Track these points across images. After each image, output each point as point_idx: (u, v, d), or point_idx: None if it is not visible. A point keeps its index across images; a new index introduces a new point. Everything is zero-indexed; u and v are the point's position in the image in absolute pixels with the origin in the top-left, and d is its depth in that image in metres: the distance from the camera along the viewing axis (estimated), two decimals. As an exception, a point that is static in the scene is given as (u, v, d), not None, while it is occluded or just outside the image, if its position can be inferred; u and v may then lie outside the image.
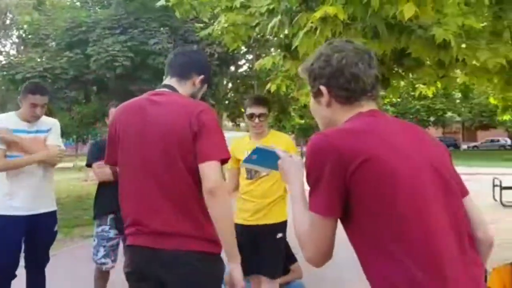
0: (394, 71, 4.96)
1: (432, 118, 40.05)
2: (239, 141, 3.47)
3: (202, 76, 2.04)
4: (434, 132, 47.20)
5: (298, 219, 1.32)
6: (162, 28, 10.98)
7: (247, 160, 1.66)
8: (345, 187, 1.19)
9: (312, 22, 2.94)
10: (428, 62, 4.50)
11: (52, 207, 3.34)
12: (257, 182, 3.20)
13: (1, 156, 3.12)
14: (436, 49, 3.38)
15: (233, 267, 1.88)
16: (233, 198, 3.36)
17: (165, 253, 1.81)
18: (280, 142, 3.08)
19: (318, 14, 2.82)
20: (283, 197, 3.21)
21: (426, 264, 1.14)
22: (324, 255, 1.26)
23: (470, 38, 3.75)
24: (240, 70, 16.24)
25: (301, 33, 3.10)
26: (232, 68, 15.27)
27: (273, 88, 6.71)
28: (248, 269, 3.51)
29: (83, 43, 11.22)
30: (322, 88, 1.35)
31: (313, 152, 1.25)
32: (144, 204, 1.87)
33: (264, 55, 13.77)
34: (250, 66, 15.34)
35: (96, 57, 10.43)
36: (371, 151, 1.20)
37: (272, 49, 13.42)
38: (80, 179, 17.09)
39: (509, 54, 3.34)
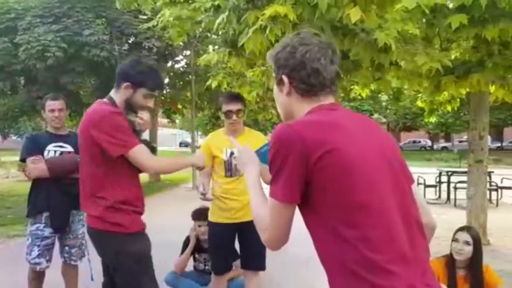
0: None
1: (359, 119, 41.86)
2: (215, 137, 3.43)
3: (127, 83, 2.40)
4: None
5: (254, 204, 1.44)
6: (98, 20, 10.55)
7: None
8: (306, 176, 1.26)
9: (261, 20, 2.97)
10: (364, 65, 4.70)
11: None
12: (237, 180, 3.19)
13: None
14: (376, 52, 3.54)
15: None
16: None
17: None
18: (257, 139, 3.11)
19: (268, 12, 2.86)
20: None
21: (381, 248, 1.22)
22: (281, 239, 1.35)
23: (406, 43, 3.97)
24: (177, 65, 16.01)
25: (250, 31, 3.12)
26: (169, 63, 15.01)
27: (214, 84, 6.71)
28: (220, 268, 3.52)
29: (11, 31, 10.53)
30: (284, 77, 1.42)
31: (278, 141, 1.30)
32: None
33: (202, 51, 13.69)
34: (188, 62, 15.15)
35: (25, 46, 9.82)
36: (333, 143, 1.26)
37: (210, 46, 13.40)
38: (0, 176, 16.13)
39: (443, 59, 3.56)
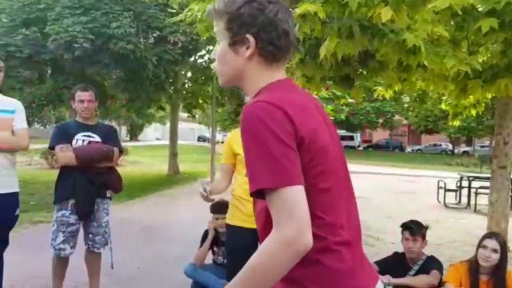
0: (359, 72, 5.12)
1: (380, 120, 41.42)
2: (237, 133, 3.31)
3: None
4: (382, 133, 48.83)
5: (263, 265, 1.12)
6: (125, 12, 10.67)
7: None
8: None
9: (291, 18, 2.98)
10: (391, 66, 4.67)
11: (14, 189, 3.21)
12: None
13: None
14: (405, 53, 3.51)
15: None
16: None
17: None
18: None
19: (298, 10, 2.86)
20: None
21: (344, 228, 1.26)
22: (309, 228, 1.12)
23: (434, 45, 3.93)
24: (200, 60, 16.10)
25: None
26: (192, 58, 15.10)
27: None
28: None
29: (40, 21, 10.73)
30: (250, 37, 1.26)
31: (263, 119, 1.13)
32: None
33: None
34: (211, 56, 15.21)
35: (55, 36, 9.99)
36: (311, 126, 1.20)
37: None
38: (23, 163, 16.46)
39: (472, 62, 3.53)
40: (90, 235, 3.69)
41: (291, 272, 1.17)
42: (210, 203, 3.72)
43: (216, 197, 3.38)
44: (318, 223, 1.19)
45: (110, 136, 3.81)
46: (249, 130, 1.15)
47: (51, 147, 3.69)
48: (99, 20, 10.43)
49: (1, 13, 11.51)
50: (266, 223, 1.23)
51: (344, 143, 47.17)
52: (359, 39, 3.39)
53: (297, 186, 1.10)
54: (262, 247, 1.11)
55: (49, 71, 12.20)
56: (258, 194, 1.13)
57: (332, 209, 1.24)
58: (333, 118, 19.98)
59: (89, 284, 3.77)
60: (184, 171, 16.83)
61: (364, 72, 5.10)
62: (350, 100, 18.91)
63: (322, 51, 3.25)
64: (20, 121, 3.22)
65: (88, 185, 3.57)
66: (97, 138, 3.69)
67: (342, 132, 47.15)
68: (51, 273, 3.65)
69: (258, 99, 1.21)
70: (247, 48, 1.27)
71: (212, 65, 1.34)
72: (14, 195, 3.20)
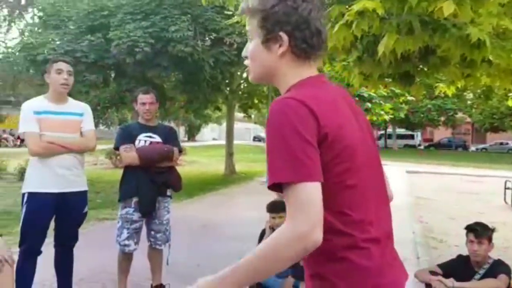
0: (419, 69, 4.96)
1: (442, 118, 39.84)
2: None
3: None
4: (444, 132, 46.91)
5: (253, 267, 1.16)
6: (183, 16, 10.96)
7: None
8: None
9: (348, 16, 2.94)
10: (453, 62, 4.48)
11: (83, 187, 3.40)
12: None
13: (39, 140, 3.20)
14: (468, 48, 3.36)
15: None
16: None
17: None
18: None
19: (356, 7, 2.82)
20: None
21: (373, 225, 1.26)
22: (321, 224, 1.11)
23: (499, 39, 3.74)
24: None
25: (336, 26, 3.10)
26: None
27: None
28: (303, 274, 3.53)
29: (104, 27, 11.25)
30: (283, 35, 1.27)
31: (288, 114, 1.15)
32: None
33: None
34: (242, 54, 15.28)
35: (117, 42, 10.45)
36: (337, 122, 1.21)
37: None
38: (89, 162, 17.28)
39: (543, 56, 3.32)
40: (152, 232, 3.82)
41: (319, 268, 1.23)
42: (265, 203, 3.76)
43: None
44: (345, 220, 1.21)
45: (170, 137, 3.93)
46: (273, 125, 1.17)
47: (116, 148, 3.86)
48: (159, 25, 10.77)
49: (68, 21, 12.18)
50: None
51: (404, 142, 45.84)
52: (419, 34, 3.29)
53: (314, 183, 1.11)
54: (272, 238, 1.12)
55: (113, 75, 12.75)
56: (276, 187, 1.14)
57: (360, 206, 1.24)
58: (392, 116, 19.45)
59: (151, 279, 3.91)
60: (240, 171, 17.01)
61: (425, 69, 4.93)
62: (409, 98, 18.36)
63: (381, 48, 3.18)
64: (87, 123, 3.41)
65: (150, 184, 3.70)
66: (158, 139, 3.83)
67: (401, 131, 45.81)
68: (116, 268, 3.82)
69: (286, 95, 1.23)
70: (280, 46, 1.28)
71: (245, 62, 1.37)
72: (83, 193, 3.39)
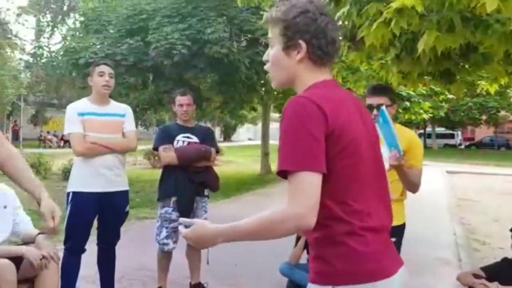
0: (460, 66, 4.83)
1: (484, 117, 38.53)
2: None
3: None
4: (486, 131, 45.30)
5: (250, 230, 1.34)
6: (219, 18, 11.06)
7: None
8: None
9: (387, 13, 2.90)
10: (496, 58, 4.34)
11: (125, 187, 3.49)
12: None
13: (83, 141, 3.31)
14: (514, 44, 3.25)
15: None
16: None
17: None
18: (405, 136, 2.87)
19: (395, 5, 2.77)
20: (399, 200, 2.96)
21: (371, 216, 1.42)
22: (315, 212, 1.29)
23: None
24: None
25: (374, 24, 3.06)
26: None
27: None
28: None
29: (143, 30, 11.48)
30: (302, 43, 1.43)
31: (300, 113, 1.32)
32: None
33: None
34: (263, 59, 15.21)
35: (155, 44, 10.65)
36: (344, 119, 1.37)
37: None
38: (129, 163, 17.67)
39: None
40: (191, 232, 3.88)
41: (320, 251, 1.41)
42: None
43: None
44: (347, 209, 1.37)
45: (207, 137, 3.98)
46: (285, 120, 1.34)
47: (155, 148, 3.95)
48: (195, 27, 10.91)
49: (108, 25, 12.51)
50: None
51: (444, 141, 44.58)
52: (460, 31, 3.20)
53: (314, 173, 1.28)
54: (272, 213, 1.31)
55: (151, 77, 13.00)
56: (282, 174, 1.33)
57: (361, 197, 1.40)
58: (431, 115, 18.98)
59: (190, 278, 3.97)
60: (276, 171, 16.96)
61: (466, 66, 4.79)
62: (450, 96, 17.85)
63: (420, 46, 3.11)
64: (129, 124, 3.51)
65: (188, 184, 3.76)
66: (195, 139, 3.89)
67: (441, 130, 44.60)
68: (155, 266, 3.90)
69: (299, 94, 1.41)
70: (298, 53, 1.44)
71: (266, 67, 1.53)
72: (125, 193, 3.48)
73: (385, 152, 2.80)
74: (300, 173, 1.27)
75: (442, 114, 26.25)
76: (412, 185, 2.91)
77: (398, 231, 2.96)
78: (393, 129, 2.65)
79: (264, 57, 1.55)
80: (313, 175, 1.28)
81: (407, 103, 14.69)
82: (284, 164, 1.31)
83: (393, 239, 3.05)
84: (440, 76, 4.91)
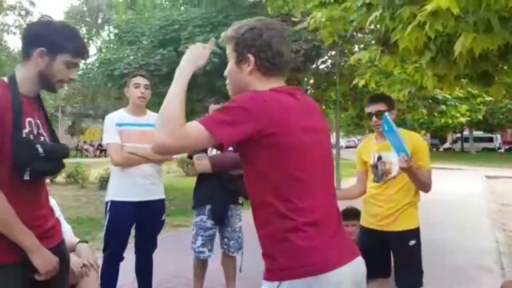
0: (498, 68, 4.69)
1: (524, 120, 37.24)
2: (366, 142, 3.40)
3: (40, 49, 1.80)
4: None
5: (173, 92, 1.52)
6: (249, 25, 11.13)
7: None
8: (252, 140, 1.47)
9: (421, 16, 2.85)
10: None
11: (161, 195, 3.54)
12: (384, 185, 3.10)
13: (121, 151, 3.38)
14: (556, 43, 3.14)
15: (33, 260, 1.81)
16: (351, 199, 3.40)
17: None
18: (410, 140, 2.94)
19: (429, 7, 2.73)
20: (412, 204, 3.08)
21: (315, 213, 1.53)
22: (178, 151, 1.51)
23: None
24: (322, 66, 16.06)
25: (409, 27, 3.01)
26: (314, 64, 15.13)
27: (361, 83, 6.58)
28: (372, 273, 3.47)
29: (175, 40, 11.64)
30: (250, 56, 1.59)
31: (248, 102, 1.46)
32: None
33: (347, 51, 13.54)
34: (333, 62, 15.09)
35: (187, 54, 10.79)
36: (290, 121, 1.49)
37: (356, 45, 13.17)
38: (163, 171, 17.93)
39: None
40: (225, 240, 3.89)
41: (267, 248, 1.53)
42: (340, 209, 3.70)
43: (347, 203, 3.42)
44: (290, 207, 1.48)
45: (240, 145, 3.99)
46: (231, 101, 1.51)
47: (189, 156, 3.99)
48: (226, 35, 10.98)
49: (142, 36, 12.77)
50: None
51: (482, 145, 43.29)
52: (498, 32, 3.11)
53: (206, 131, 1.42)
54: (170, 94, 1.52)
55: (183, 86, 13.17)
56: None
57: (306, 196, 1.50)
58: (468, 118, 18.47)
59: (226, 285, 3.97)
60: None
61: (505, 67, 4.66)
62: (487, 98, 17.32)
63: (457, 48, 3.04)
64: None
65: (222, 191, 3.78)
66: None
67: (479, 133, 43.37)
68: (191, 274, 3.93)
69: (260, 91, 1.54)
70: (248, 65, 1.60)
71: (227, 81, 1.72)
72: (161, 201, 3.54)
73: (394, 157, 2.90)
74: (202, 126, 1.42)
75: (479, 117, 25.51)
76: (423, 185, 3.01)
77: (414, 235, 3.06)
78: (399, 134, 2.74)
79: (225, 73, 1.69)
80: (201, 127, 1.42)
81: (443, 107, 14.34)
82: (203, 121, 1.45)
83: (413, 242, 3.05)
84: (478, 79, 4.78)
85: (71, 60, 1.87)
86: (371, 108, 3.13)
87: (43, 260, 1.83)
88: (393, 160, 2.97)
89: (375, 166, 3.14)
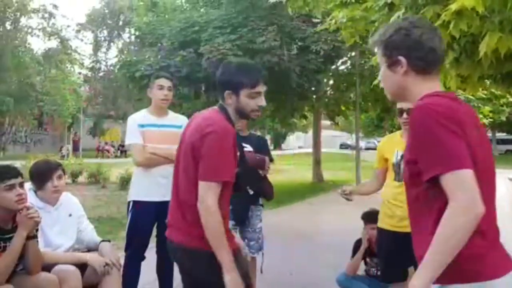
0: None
1: None
2: (389, 138, 3.34)
3: (227, 91, 2.14)
4: None
5: (443, 245, 1.35)
6: (269, 27, 11.13)
7: None
8: None
9: (445, 16, 2.81)
10: None
11: (182, 196, 3.55)
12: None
13: (143, 152, 3.41)
14: None
15: (225, 277, 1.99)
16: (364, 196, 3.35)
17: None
18: None
19: (453, 7, 2.69)
20: None
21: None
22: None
23: None
24: (342, 67, 15.97)
25: (432, 28, 2.97)
26: (334, 65, 15.06)
27: (381, 84, 6.52)
28: (389, 276, 3.28)
29: (195, 42, 11.74)
30: (401, 58, 1.55)
31: (436, 116, 1.39)
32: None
33: (367, 52, 13.43)
34: (353, 63, 14.99)
35: (208, 55, 10.86)
36: (470, 133, 1.43)
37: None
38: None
39: None
40: (246, 240, 3.89)
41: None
42: (361, 212, 3.68)
43: (365, 198, 3.37)
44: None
45: (261, 146, 4.00)
46: (419, 126, 1.41)
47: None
48: (246, 37, 11.03)
49: (162, 38, 12.90)
50: (423, 206, 1.48)
51: (506, 147, 42.38)
52: (525, 31, 3.05)
53: (466, 169, 1.34)
54: (444, 221, 1.33)
55: (203, 88, 13.27)
56: (433, 180, 1.37)
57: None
58: (491, 120, 18.13)
59: (246, 286, 3.97)
60: (328, 179, 16.80)
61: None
62: (511, 99, 17.00)
63: (482, 48, 2.99)
64: None
65: (243, 193, 3.78)
66: (249, 148, 3.90)
67: (502, 135, 42.52)
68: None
69: (425, 101, 1.46)
70: (401, 67, 1.56)
71: (381, 85, 1.69)
72: (182, 201, 3.54)
73: None
74: (454, 172, 1.34)
75: (503, 118, 25.02)
76: None
77: None
78: None
79: (379, 77, 1.69)
80: (465, 171, 1.34)
81: (466, 108, 14.10)
82: (433, 170, 1.37)
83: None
84: (502, 79, 4.70)
85: (252, 91, 2.14)
86: (403, 104, 2.98)
87: (232, 283, 1.99)
88: None
89: (397, 165, 3.04)
